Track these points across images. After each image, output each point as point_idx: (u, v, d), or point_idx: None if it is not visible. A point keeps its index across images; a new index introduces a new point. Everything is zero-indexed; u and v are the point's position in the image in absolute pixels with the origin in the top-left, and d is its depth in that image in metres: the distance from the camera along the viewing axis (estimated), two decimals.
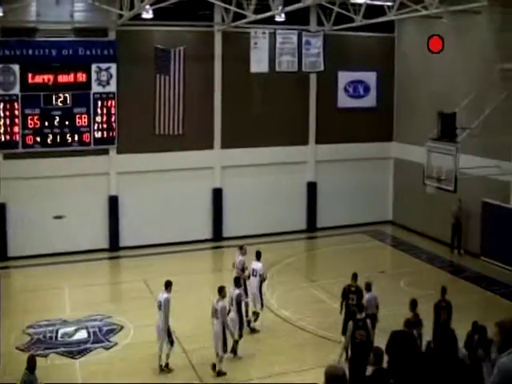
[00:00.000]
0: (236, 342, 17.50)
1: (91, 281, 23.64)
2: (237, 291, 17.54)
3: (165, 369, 16.74)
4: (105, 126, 26.62)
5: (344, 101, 31.23)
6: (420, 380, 7.70)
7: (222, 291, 16.58)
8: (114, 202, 27.23)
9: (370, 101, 31.74)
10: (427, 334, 15.32)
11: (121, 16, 24.87)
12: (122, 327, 19.49)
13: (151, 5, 22.43)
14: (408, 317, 14.87)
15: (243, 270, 20.01)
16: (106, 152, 26.98)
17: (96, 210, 26.95)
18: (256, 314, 19.67)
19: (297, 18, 28.28)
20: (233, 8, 25.50)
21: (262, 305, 19.77)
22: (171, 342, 16.79)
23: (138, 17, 24.67)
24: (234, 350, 17.47)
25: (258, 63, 27.08)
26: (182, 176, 28.09)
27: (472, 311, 19.25)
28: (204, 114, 28.49)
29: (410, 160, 29.69)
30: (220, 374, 16.56)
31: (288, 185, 30.19)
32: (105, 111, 26.56)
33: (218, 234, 29.12)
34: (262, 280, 19.84)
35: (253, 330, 19.30)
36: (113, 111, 26.66)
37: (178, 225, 28.04)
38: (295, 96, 30.11)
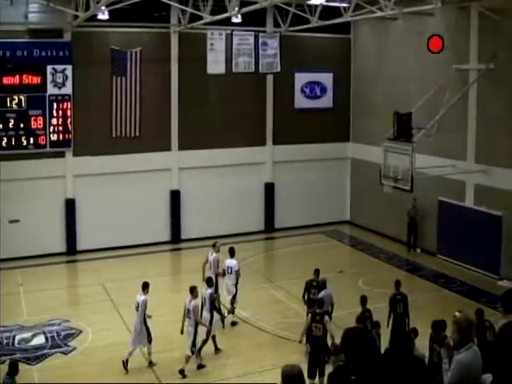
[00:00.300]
0: (213, 339, 17.84)
1: (48, 285, 23.39)
2: (209, 291, 17.72)
3: (149, 364, 17.21)
4: (61, 128, 26.31)
5: (301, 102, 31.35)
6: (377, 376, 7.80)
7: (193, 291, 16.74)
8: (70, 205, 26.96)
9: (326, 102, 31.90)
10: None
11: (76, 17, 24.58)
12: (80, 331, 19.31)
13: (107, 6, 22.31)
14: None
15: (219, 267, 20.20)
16: (62, 155, 26.70)
17: (53, 213, 26.65)
18: (232, 309, 20.00)
19: (253, 20, 28.32)
20: (189, 9, 25.42)
21: (236, 300, 19.95)
22: (149, 341, 17.11)
23: (93, 18, 24.52)
24: (215, 346, 17.89)
25: (215, 64, 27.05)
26: (139, 178, 27.93)
27: (429, 309, 19.49)
28: (161, 115, 28.38)
29: (366, 160, 29.93)
30: (200, 366, 17.01)
31: (246, 186, 30.22)
32: (60, 113, 26.25)
33: (176, 236, 29.01)
34: (238, 276, 20.03)
35: (233, 324, 19.91)
36: (69, 113, 26.37)
37: (136, 227, 27.88)
38: (252, 97, 30.16)
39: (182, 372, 16.66)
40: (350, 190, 32.70)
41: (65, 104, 26.30)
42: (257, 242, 29.30)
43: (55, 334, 19.02)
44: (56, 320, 20.02)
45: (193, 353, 16.75)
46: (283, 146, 30.84)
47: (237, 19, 27.04)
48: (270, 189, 30.90)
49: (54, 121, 26.20)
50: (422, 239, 27.58)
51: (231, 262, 19.97)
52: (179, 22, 27.60)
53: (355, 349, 13.42)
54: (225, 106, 29.45)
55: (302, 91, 31.30)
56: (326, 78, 31.71)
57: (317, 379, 15.24)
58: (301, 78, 31.16)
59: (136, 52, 27.33)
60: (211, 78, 28.08)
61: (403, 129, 22.82)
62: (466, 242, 24.92)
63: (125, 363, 16.83)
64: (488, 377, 8.96)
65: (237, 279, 19.97)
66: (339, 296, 20.65)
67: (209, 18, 23.81)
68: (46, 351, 17.99)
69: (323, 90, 31.72)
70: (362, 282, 23.18)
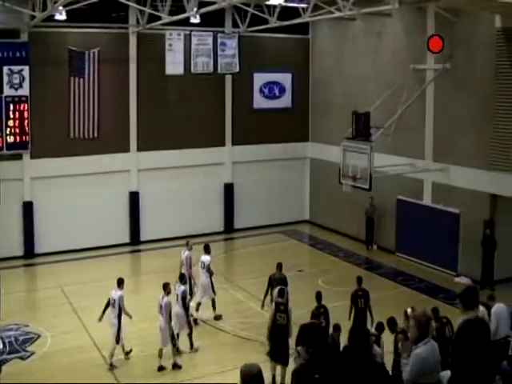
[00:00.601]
0: (189, 336, 18.01)
1: (6, 289, 23.03)
2: (182, 288, 17.83)
3: (109, 367, 17.15)
4: (17, 130, 25.98)
5: (260, 102, 31.39)
6: (336, 376, 7.87)
7: (166, 288, 17.03)
8: (28, 208, 26.63)
9: (285, 102, 31.99)
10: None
11: (33, 17, 24.30)
12: (39, 336, 19.07)
13: (64, 6, 22.07)
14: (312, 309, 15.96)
15: (191, 265, 20.52)
16: (19, 157, 26.36)
17: (10, 216, 26.22)
18: (212, 301, 20.34)
19: (212, 20, 28.28)
20: (147, 10, 25.29)
21: (214, 292, 20.30)
22: (117, 341, 17.22)
23: (50, 18, 24.21)
24: (190, 344, 18.03)
25: (174, 65, 27.03)
26: (98, 180, 27.73)
27: (389, 306, 19.59)
28: (119, 116, 28.20)
29: (325, 160, 30.08)
30: (175, 366, 17.07)
31: (205, 186, 30.19)
32: (17, 115, 25.92)
33: (135, 238, 28.85)
34: (211, 272, 20.35)
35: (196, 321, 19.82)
36: (26, 115, 26.05)
37: (95, 229, 27.66)
38: (211, 97, 30.10)
39: (175, 365, 17.05)
40: (310, 189, 32.83)
41: (22, 105, 25.98)
42: (217, 243, 29.11)
43: (13, 339, 18.73)
44: (14, 325, 19.73)
45: (174, 345, 16.99)
46: (242, 147, 30.87)
47: (195, 20, 26.87)
48: (229, 189, 30.89)
49: (11, 122, 25.86)
50: (381, 237, 27.82)
51: (205, 258, 20.37)
52: (137, 22, 27.44)
53: (312, 343, 13.68)
54: (184, 107, 29.37)
55: (261, 91, 31.34)
56: (285, 78, 31.80)
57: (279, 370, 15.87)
58: (259, 79, 31.19)
59: (94, 52, 27.12)
60: (170, 79, 28.04)
61: (362, 128, 22.97)
62: (425, 239, 25.19)
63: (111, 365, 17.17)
64: (446, 373, 9.08)
65: (210, 274, 20.28)
66: (299, 295, 20.77)
67: (167, 18, 23.71)
68: (3, 357, 17.67)
69: (282, 90, 31.80)
70: (321, 281, 23.28)
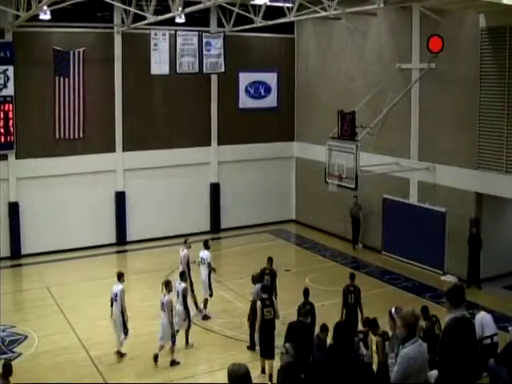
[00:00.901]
0: (186, 332, 18.31)
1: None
2: (182, 285, 18.13)
3: (117, 355, 17.66)
4: (2, 130, 25.83)
5: (245, 101, 31.40)
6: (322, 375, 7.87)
7: (168, 285, 17.32)
8: (14, 209, 26.50)
9: (271, 101, 32.02)
10: None
11: (17, 17, 24.16)
12: (26, 337, 18.99)
13: (49, 6, 21.99)
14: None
15: (188, 263, 20.66)
16: (4, 157, 26.22)
17: None
18: (205, 301, 20.46)
19: (197, 20, 28.27)
20: (132, 9, 25.20)
21: (211, 293, 20.49)
22: (125, 333, 17.59)
23: (35, 18, 24.08)
24: (186, 340, 18.33)
25: (159, 65, 26.99)
26: (83, 180, 27.65)
27: (375, 305, 19.66)
28: (105, 116, 28.12)
29: (311, 159, 30.16)
30: (173, 363, 17.24)
31: (191, 186, 30.17)
32: (2, 115, 25.76)
33: (121, 238, 28.78)
34: (211, 268, 20.60)
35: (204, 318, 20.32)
36: (10, 115, 25.91)
37: (81, 230, 27.58)
38: (197, 97, 30.09)
39: (173, 362, 17.22)
40: (296, 188, 32.88)
41: (6, 106, 25.84)
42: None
43: (0, 340, 18.68)
44: (0, 326, 19.62)
45: (173, 343, 17.21)
46: (228, 146, 30.86)
47: (180, 19, 26.82)
48: (215, 189, 30.88)
49: None
50: (367, 237, 27.90)
51: (204, 253, 20.71)
52: (122, 22, 27.39)
53: (299, 341, 13.82)
54: (169, 107, 29.36)
55: (247, 91, 31.35)
56: (271, 78, 31.83)
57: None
58: (245, 78, 31.20)
59: (79, 52, 27.03)
60: (155, 79, 28.01)
61: (347, 127, 23.00)
62: (411, 238, 25.30)
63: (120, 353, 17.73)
64: (433, 373, 9.14)
65: (209, 270, 20.51)
66: (286, 294, 20.83)
67: (152, 18, 23.67)
68: None
69: (267, 89, 31.82)
70: (308, 280, 23.32)
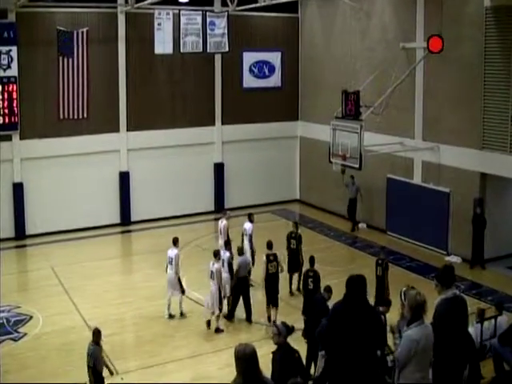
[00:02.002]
0: (228, 299, 19.02)
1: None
2: (227, 254, 19.36)
3: (180, 316, 19.04)
4: (6, 111, 25.79)
5: (249, 81, 31.32)
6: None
7: (217, 255, 18.30)
8: (18, 189, 26.53)
9: (275, 81, 31.94)
10: None
11: None
12: (30, 317, 19.09)
13: None
14: None
15: (228, 234, 21.65)
16: (8, 138, 26.20)
17: (0, 197, 26.16)
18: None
19: None
20: None
21: (253, 261, 20.76)
22: (183, 292, 19.00)
23: None
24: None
25: (163, 44, 26.83)
26: (88, 160, 27.63)
27: None
28: (109, 96, 28.06)
29: (315, 139, 30.11)
30: (218, 330, 18.08)
31: (195, 166, 30.15)
32: (6, 96, 25.72)
33: (125, 219, 28.82)
34: (251, 238, 21.43)
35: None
36: (14, 96, 25.85)
37: (85, 210, 27.61)
38: (201, 77, 30.02)
39: (217, 330, 18.07)
40: (300, 168, 32.85)
41: (10, 86, 25.79)
42: (207, 223, 29.26)
43: (5, 321, 18.74)
44: (5, 306, 19.72)
45: (220, 310, 18.09)
46: (232, 126, 30.81)
47: None
48: (219, 169, 30.87)
49: (0, 103, 25.73)
50: (371, 217, 27.88)
51: (247, 225, 21.62)
52: (126, 1, 27.27)
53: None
54: (173, 86, 29.31)
55: (251, 70, 31.27)
56: (275, 57, 31.73)
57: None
58: (249, 58, 31.11)
59: (83, 32, 26.94)
60: (159, 58, 27.90)
61: (351, 107, 22.94)
62: (415, 218, 25.29)
63: (170, 315, 18.96)
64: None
65: (251, 241, 21.35)
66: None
67: None
68: None
69: (271, 69, 31.73)
70: None
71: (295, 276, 20.74)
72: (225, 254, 19.17)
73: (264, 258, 18.58)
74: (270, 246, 18.88)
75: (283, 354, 11.25)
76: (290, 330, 11.75)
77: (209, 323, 18.09)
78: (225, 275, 18.60)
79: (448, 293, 8.96)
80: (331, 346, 8.74)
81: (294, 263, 20.67)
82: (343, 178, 27.04)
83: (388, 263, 18.97)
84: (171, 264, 18.86)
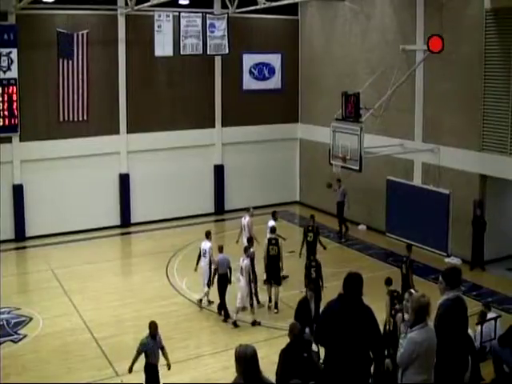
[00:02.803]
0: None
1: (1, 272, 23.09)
2: (251, 250, 19.79)
3: (199, 303, 20.02)
4: (6, 113, 25.80)
5: (249, 83, 31.35)
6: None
7: (246, 251, 19.11)
8: (18, 191, 26.54)
9: (275, 83, 31.96)
10: None
11: None
12: (30, 319, 19.10)
13: None
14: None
15: (252, 230, 22.49)
16: (8, 140, 26.22)
17: (0, 199, 26.18)
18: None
19: (201, 1, 28.22)
20: None
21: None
22: (208, 285, 19.70)
23: (38, 0, 24.05)
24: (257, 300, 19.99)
25: (163, 47, 26.85)
26: (88, 162, 27.67)
27: (379, 286, 19.68)
28: (109, 98, 28.09)
29: (315, 141, 30.14)
30: (255, 323, 18.71)
31: (195, 168, 30.17)
32: (6, 98, 25.73)
33: (125, 221, 28.82)
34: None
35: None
36: (14, 98, 25.87)
37: (85, 212, 27.64)
38: (201, 79, 30.05)
39: (254, 323, 18.69)
40: (300, 170, 32.87)
41: (10, 88, 25.80)
42: (207, 225, 29.16)
43: (5, 323, 18.74)
44: (5, 308, 19.73)
45: (251, 305, 18.92)
46: (232, 128, 30.84)
47: (184, 1, 26.96)
48: (219, 171, 30.89)
49: (0, 105, 25.73)
50: (371, 218, 27.88)
51: (271, 223, 21.83)
52: (126, 3, 27.26)
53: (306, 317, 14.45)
54: (173, 89, 29.32)
55: (251, 72, 31.30)
56: (275, 59, 31.77)
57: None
58: (249, 60, 31.14)
59: (83, 34, 26.96)
60: (159, 61, 27.91)
61: (351, 109, 22.93)
62: (415, 220, 25.28)
63: (199, 301, 19.98)
64: None
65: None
66: (291, 276, 20.95)
67: None
68: None
69: (271, 71, 31.76)
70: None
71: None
72: (250, 251, 19.66)
73: (266, 240, 20.28)
74: (272, 230, 20.50)
75: (289, 353, 11.28)
76: (300, 329, 11.82)
77: (235, 323, 18.69)
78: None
79: (450, 294, 8.97)
80: (324, 343, 8.81)
81: (312, 255, 21.49)
82: (333, 187, 27.38)
83: (413, 261, 19.50)
84: (204, 256, 19.82)
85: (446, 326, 8.74)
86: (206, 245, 20.00)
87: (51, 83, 26.72)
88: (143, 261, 24.49)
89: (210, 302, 20.05)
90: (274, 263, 20.02)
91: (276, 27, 31.62)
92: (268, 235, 20.55)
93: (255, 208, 29.96)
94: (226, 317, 19.09)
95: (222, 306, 19.33)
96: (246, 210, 23.34)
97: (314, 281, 18.35)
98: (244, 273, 18.63)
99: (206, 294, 19.95)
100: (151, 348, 13.93)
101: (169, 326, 18.48)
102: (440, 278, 9.11)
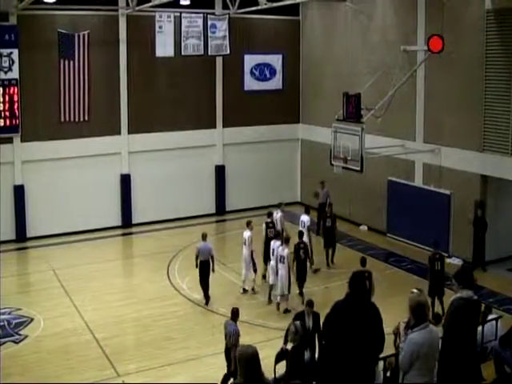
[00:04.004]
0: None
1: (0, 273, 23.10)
2: (277, 243, 20.22)
3: (252, 291, 21.08)
4: (8, 113, 25.81)
5: (250, 84, 31.34)
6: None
7: (288, 241, 20.04)
8: (19, 192, 26.54)
9: (276, 83, 31.94)
10: None
11: (22, 0, 24.18)
12: (31, 319, 19.10)
13: None
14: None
15: (283, 224, 23.70)
16: (9, 141, 26.22)
17: (1, 200, 26.09)
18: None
19: (202, 2, 28.18)
20: None
21: (312, 250, 22.42)
22: (255, 270, 21.12)
23: (39, 0, 24.08)
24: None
25: (164, 47, 26.87)
26: (89, 163, 27.67)
27: (380, 287, 19.72)
28: (110, 99, 28.09)
29: (316, 141, 30.12)
30: (286, 311, 19.21)
31: (196, 168, 30.17)
32: (7, 98, 25.74)
33: (126, 221, 28.83)
34: (309, 231, 23.29)
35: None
36: (16, 98, 25.87)
37: (86, 212, 27.63)
38: (202, 79, 30.04)
39: (286, 310, 19.22)
40: (301, 171, 32.85)
41: (11, 89, 25.81)
42: (208, 225, 29.21)
43: (6, 323, 18.73)
44: (6, 309, 19.72)
45: (289, 292, 19.50)
46: (233, 128, 30.84)
47: (185, 1, 26.92)
48: (220, 171, 30.89)
49: (1, 106, 25.69)
50: (372, 219, 27.87)
51: (304, 217, 23.49)
52: (127, 4, 27.25)
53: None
54: (174, 89, 29.31)
55: (252, 73, 31.29)
56: (276, 60, 31.76)
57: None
58: (250, 60, 31.13)
59: (84, 35, 26.97)
60: (160, 61, 27.90)
61: (352, 110, 22.92)
62: (416, 220, 25.27)
63: (244, 290, 21.09)
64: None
65: (309, 231, 23.10)
66: (292, 277, 20.86)
67: (157, 0, 23.60)
68: None
69: (273, 71, 31.75)
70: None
71: (330, 252, 23.83)
72: (275, 244, 20.28)
73: (264, 225, 22.11)
74: (269, 215, 22.65)
75: (294, 355, 11.31)
76: (306, 330, 11.85)
77: (278, 306, 19.59)
78: (272, 263, 20.13)
79: (464, 292, 8.98)
80: (330, 342, 8.78)
81: (330, 239, 23.76)
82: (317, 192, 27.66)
83: (444, 257, 19.90)
84: (245, 244, 21.03)
85: (453, 323, 8.74)
86: (246, 234, 21.19)
87: (52, 84, 26.73)
88: (144, 261, 24.49)
89: (253, 290, 21.15)
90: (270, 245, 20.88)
91: (277, 28, 31.60)
92: (300, 228, 22.46)
93: (255, 209, 30.21)
94: (207, 300, 20.20)
95: (204, 291, 20.25)
96: (278, 205, 24.44)
97: (303, 261, 20.10)
98: (285, 261, 19.42)
99: (254, 281, 21.20)
100: (236, 333, 14.68)
101: (170, 326, 18.55)
102: (452, 280, 9.16)
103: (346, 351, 8.26)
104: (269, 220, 22.40)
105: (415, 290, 13.13)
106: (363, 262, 18.91)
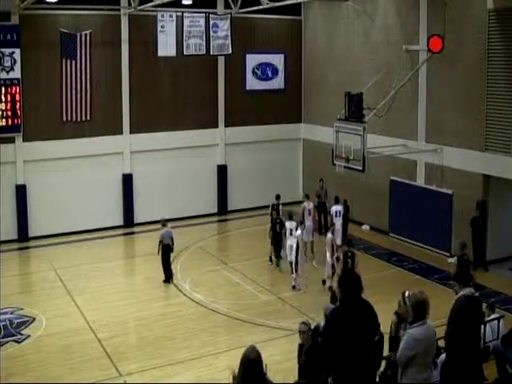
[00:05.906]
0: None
1: (0, 273, 23.09)
2: (298, 232, 21.43)
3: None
4: (9, 113, 25.83)
5: (252, 83, 31.34)
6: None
7: (332, 226, 22.24)
8: (21, 191, 26.55)
9: (278, 83, 31.95)
10: None
11: None
12: (33, 319, 19.09)
13: None
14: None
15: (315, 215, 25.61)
16: (11, 140, 26.24)
17: (3, 199, 26.06)
18: (337, 247, 22.04)
19: (204, 1, 28.23)
20: None
21: (345, 239, 22.52)
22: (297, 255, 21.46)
23: (41, 0, 24.08)
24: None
25: (166, 47, 26.85)
26: (91, 162, 27.70)
27: (383, 286, 19.74)
28: (112, 98, 28.11)
29: (319, 141, 30.12)
30: (330, 288, 18.34)
31: (198, 168, 30.18)
32: (9, 98, 25.76)
33: (129, 221, 28.83)
34: (345, 219, 24.89)
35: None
36: (17, 98, 25.90)
37: (88, 212, 27.65)
38: (204, 79, 30.05)
39: (331, 288, 18.65)
40: (303, 170, 32.85)
41: (13, 88, 25.83)
42: (210, 225, 29.31)
43: (8, 323, 18.73)
44: (8, 308, 19.73)
45: (333, 273, 20.36)
46: (235, 128, 30.85)
47: (187, 1, 26.92)
48: (222, 171, 30.89)
49: (3, 106, 25.71)
50: (374, 218, 27.85)
51: (337, 207, 24.56)
52: (129, 4, 27.26)
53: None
54: (176, 89, 29.33)
55: (254, 73, 31.29)
56: (278, 60, 31.76)
57: None
58: (252, 60, 31.14)
59: (86, 35, 26.99)
60: (162, 61, 27.94)
61: (354, 109, 22.92)
62: (418, 220, 25.27)
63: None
64: (442, 357, 9.22)
65: (344, 221, 24.62)
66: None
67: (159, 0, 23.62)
68: None
69: (275, 71, 31.75)
70: (315, 263, 23.29)
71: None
72: (297, 232, 21.32)
73: (270, 208, 24.23)
74: (277, 197, 24.89)
75: (305, 354, 11.33)
76: (313, 330, 11.84)
77: (324, 282, 20.73)
78: (289, 242, 21.43)
79: (466, 290, 9.04)
80: (335, 348, 8.72)
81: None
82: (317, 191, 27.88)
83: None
84: (291, 235, 21.62)
85: (458, 320, 8.76)
86: (291, 225, 21.93)
87: (54, 83, 26.75)
88: (146, 261, 24.47)
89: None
90: (278, 238, 22.71)
91: (279, 27, 31.61)
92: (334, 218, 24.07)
93: (259, 208, 30.22)
94: (168, 278, 21.87)
95: (166, 270, 21.89)
96: (306, 196, 26.23)
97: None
98: (327, 246, 20.67)
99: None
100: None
101: (172, 326, 18.53)
102: (452, 282, 9.20)
103: (351, 356, 8.25)
104: (275, 202, 24.54)
105: (406, 293, 13.21)
106: (349, 242, 20.19)
